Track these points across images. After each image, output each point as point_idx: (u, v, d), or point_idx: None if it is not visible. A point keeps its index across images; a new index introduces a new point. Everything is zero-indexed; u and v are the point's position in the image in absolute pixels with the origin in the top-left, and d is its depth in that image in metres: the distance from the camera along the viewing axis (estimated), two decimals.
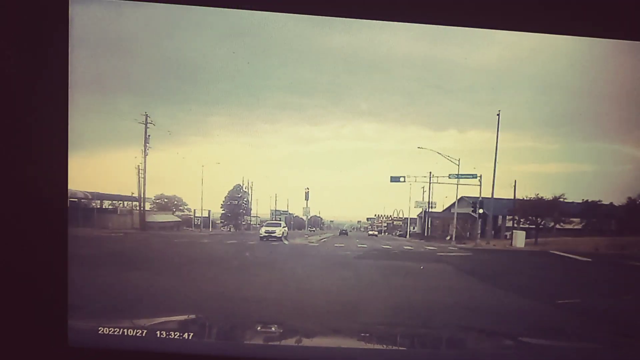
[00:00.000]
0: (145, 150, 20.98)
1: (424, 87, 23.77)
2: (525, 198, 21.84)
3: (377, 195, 29.32)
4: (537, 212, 22.04)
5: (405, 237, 28.38)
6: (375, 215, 31.60)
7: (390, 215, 30.86)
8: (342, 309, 7.73)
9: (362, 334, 5.23)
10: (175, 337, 3.83)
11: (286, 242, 22.43)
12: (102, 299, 6.39)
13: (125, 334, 3.76)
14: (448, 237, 25.10)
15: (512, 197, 22.36)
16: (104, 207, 24.39)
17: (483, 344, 5.14)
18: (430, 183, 23.68)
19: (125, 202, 24.13)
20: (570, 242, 20.59)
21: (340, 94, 21.92)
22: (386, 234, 30.56)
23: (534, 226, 22.43)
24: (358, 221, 33.48)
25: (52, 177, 3.11)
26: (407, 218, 29.25)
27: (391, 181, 22.54)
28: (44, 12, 2.94)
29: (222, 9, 3.00)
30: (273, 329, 5.12)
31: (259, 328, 5.13)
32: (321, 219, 32.78)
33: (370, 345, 4.86)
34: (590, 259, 17.08)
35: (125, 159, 20.96)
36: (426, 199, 25.36)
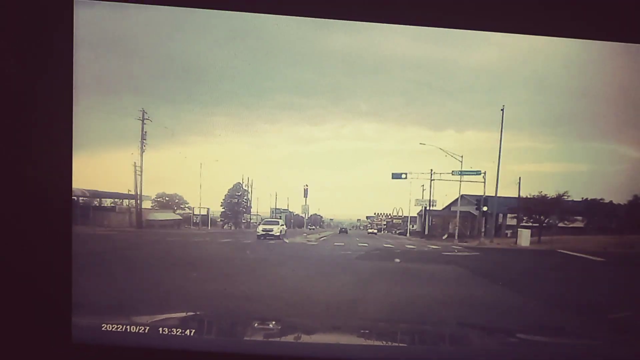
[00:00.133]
0: (142, 147, 20.95)
1: (423, 88, 23.91)
2: (528, 196, 21.65)
3: (377, 194, 29.49)
4: (540, 210, 21.70)
5: (405, 235, 28.35)
6: (374, 213, 31.67)
7: (390, 214, 30.91)
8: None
9: (362, 331, 5.27)
10: (177, 333, 3.87)
11: (287, 240, 22.18)
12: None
13: (128, 330, 3.81)
14: (445, 236, 25.05)
15: (512, 195, 22.25)
16: (102, 205, 24.38)
17: (483, 341, 5.13)
18: (431, 180, 23.51)
19: (126, 200, 24.16)
20: (575, 241, 20.14)
21: (340, 94, 22.09)
22: (385, 232, 30.61)
23: (537, 224, 22.11)
24: (357, 219, 33.54)
25: (57, 176, 3.15)
26: (407, 216, 29.22)
27: (393, 178, 22.17)
28: (49, 14, 2.99)
29: (224, 11, 3.05)
30: (272, 325, 5.17)
31: (258, 325, 5.18)
32: (321, 217, 32.87)
33: (369, 342, 4.90)
34: (603, 259, 16.25)
35: (127, 158, 21.07)
36: (426, 197, 25.22)
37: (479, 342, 5.08)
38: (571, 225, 22.19)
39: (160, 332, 3.90)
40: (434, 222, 26.76)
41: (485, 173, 21.75)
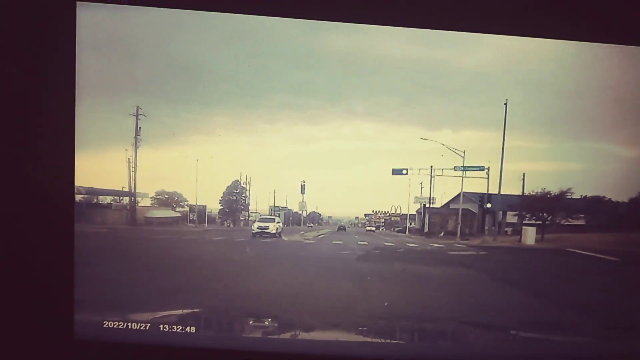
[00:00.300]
0: (136, 144, 20.80)
1: (419, 88, 24.09)
2: (530, 193, 21.15)
3: (375, 192, 29.55)
4: (544, 207, 20.97)
5: (404, 233, 28.36)
6: (372, 211, 31.73)
7: (388, 212, 30.96)
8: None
9: (360, 328, 5.31)
10: (178, 330, 3.92)
11: (285, 238, 21.96)
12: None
13: (129, 327, 3.86)
14: (442, 233, 25.03)
15: (509, 193, 21.92)
16: (98, 202, 24.31)
17: (482, 338, 5.16)
18: (431, 177, 23.21)
19: (126, 198, 24.13)
20: (579, 239, 19.46)
21: (338, 94, 22.23)
22: (384, 229, 30.68)
23: (539, 222, 21.34)
24: (356, 217, 33.60)
25: (59, 174, 3.20)
26: (407, 214, 29.23)
27: (393, 174, 21.55)
28: (52, 16, 3.03)
29: (224, 13, 3.10)
30: (271, 322, 5.21)
31: (258, 322, 5.22)
32: (320, 214, 32.98)
33: (367, 339, 4.95)
34: (617, 258, 14.79)
35: (128, 156, 21.15)
36: (424, 195, 25.11)
37: (477, 339, 5.11)
38: (573, 223, 21.71)
39: (161, 329, 3.95)
40: (433, 219, 26.68)
41: (489, 169, 21.15)
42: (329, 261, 14.65)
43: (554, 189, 20.66)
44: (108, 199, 24.37)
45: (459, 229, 23.63)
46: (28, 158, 3.18)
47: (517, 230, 22.64)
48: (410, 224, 29.20)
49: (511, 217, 23.13)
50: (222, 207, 27.06)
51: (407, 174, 21.79)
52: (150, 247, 16.68)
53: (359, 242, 20.71)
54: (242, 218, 27.08)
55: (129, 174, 21.68)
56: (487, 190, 21.57)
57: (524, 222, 22.16)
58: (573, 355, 4.17)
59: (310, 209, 29.73)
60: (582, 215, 22.18)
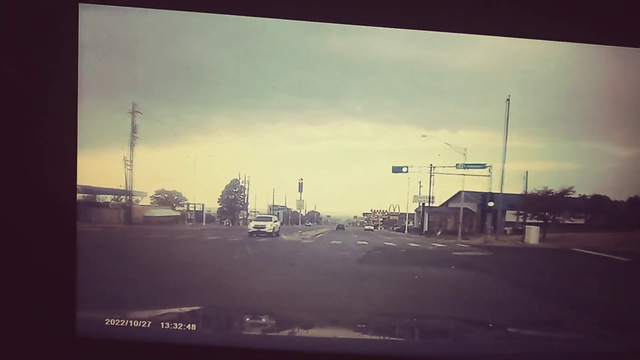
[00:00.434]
0: (132, 141, 20.54)
1: (417, 89, 24.24)
2: (533, 192, 20.78)
3: (373, 191, 29.72)
4: (546, 206, 20.72)
5: (403, 232, 28.38)
6: (371, 210, 31.81)
7: (386, 211, 31.03)
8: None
9: (359, 325, 5.34)
10: (179, 328, 3.96)
11: (284, 237, 21.71)
12: None
13: (131, 325, 3.90)
14: (439, 232, 25.01)
15: (508, 192, 21.86)
16: (96, 201, 24.20)
17: (480, 335, 5.17)
18: (431, 175, 23.04)
19: (121, 197, 24.04)
20: (580, 238, 19.22)
21: (337, 95, 22.39)
22: (382, 228, 30.74)
23: (541, 221, 21.15)
24: (354, 216, 33.70)
25: (62, 174, 3.24)
26: (405, 213, 29.27)
27: (393, 172, 21.06)
28: (55, 18, 3.07)
29: (225, 15, 3.14)
30: (270, 320, 5.26)
31: (257, 319, 5.27)
32: (318, 213, 33.06)
33: (367, 336, 4.99)
34: (628, 259, 13.93)
35: (128, 156, 21.12)
36: (423, 194, 25.04)
37: (475, 336, 5.12)
38: (572, 222, 21.73)
39: (162, 326, 3.99)
40: (432, 218, 26.65)
41: (491, 166, 20.65)
42: (327, 262, 13.93)
43: (553, 188, 20.66)
44: (107, 198, 24.38)
45: (460, 228, 23.38)
46: (31, 158, 3.22)
47: (516, 230, 22.59)
48: (409, 223, 29.26)
49: (510, 216, 23.08)
50: (221, 206, 27.09)
51: (407, 171, 21.48)
52: (134, 247, 15.91)
53: (358, 242, 20.30)
54: (241, 217, 27.10)
55: (125, 172, 21.61)
56: (490, 189, 21.26)
57: (525, 221, 22.11)
58: None
59: (309, 208, 29.83)
60: (581, 215, 22.17)
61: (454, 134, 25.00)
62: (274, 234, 21.13)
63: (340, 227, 30.14)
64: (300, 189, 24.20)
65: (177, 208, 26.04)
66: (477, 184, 22.67)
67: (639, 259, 14.02)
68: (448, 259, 15.91)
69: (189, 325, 4.04)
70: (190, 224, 25.68)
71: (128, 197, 23.20)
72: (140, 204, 24.25)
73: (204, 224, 26.06)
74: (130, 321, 3.92)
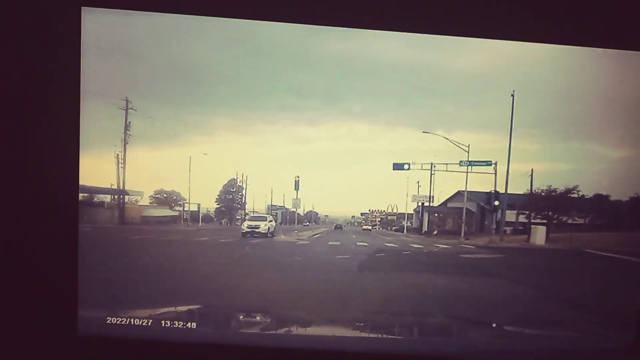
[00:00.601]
0: (125, 139, 20.42)
1: (414, 91, 24.41)
2: (537, 191, 20.56)
3: (372, 191, 29.79)
4: (550, 206, 20.43)
5: (402, 232, 28.35)
6: (369, 210, 31.85)
7: (384, 211, 31.07)
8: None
9: (357, 323, 5.38)
10: (179, 326, 4.00)
11: (283, 237, 21.40)
12: None
13: (132, 323, 3.94)
14: (435, 232, 24.96)
15: (511, 191, 21.46)
16: (91, 200, 24.02)
17: (478, 334, 5.18)
18: (431, 173, 22.78)
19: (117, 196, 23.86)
20: (584, 238, 18.61)
21: (336, 96, 22.55)
22: (380, 228, 30.78)
23: (545, 221, 20.77)
24: (352, 216, 33.73)
25: (64, 174, 3.28)
26: (404, 213, 29.23)
27: (394, 169, 20.36)
28: (58, 21, 3.11)
29: (226, 18, 3.18)
30: (270, 319, 5.30)
31: (256, 317, 5.31)
32: (317, 213, 33.09)
33: (364, 334, 5.02)
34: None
35: (128, 156, 21.18)
36: (421, 194, 24.93)
37: (473, 334, 5.14)
38: (574, 222, 21.43)
39: (162, 325, 4.03)
40: (432, 218, 26.58)
41: (496, 163, 19.87)
42: (324, 267, 12.71)
43: (552, 187, 20.68)
44: (106, 198, 24.33)
45: (463, 228, 22.89)
46: (34, 158, 3.26)
47: (517, 230, 22.45)
48: (408, 222, 29.28)
49: (509, 216, 22.92)
50: (218, 206, 27.10)
51: (409, 168, 20.78)
52: (118, 249, 14.94)
53: (357, 243, 19.60)
54: (239, 217, 27.10)
55: (119, 171, 21.50)
56: (495, 187, 20.59)
57: (529, 220, 21.93)
58: None
59: (307, 208, 29.79)
60: (581, 214, 22.11)
61: (451, 135, 25.07)
62: (269, 235, 20.31)
63: (338, 227, 30.19)
64: (297, 187, 23.40)
65: (175, 208, 26.04)
66: (477, 183, 22.77)
67: None
68: (458, 264, 14.62)
69: (189, 323, 4.08)
70: (186, 224, 25.62)
71: (119, 197, 22.99)
72: (139, 204, 24.27)
73: (200, 223, 25.97)
74: (131, 319, 3.96)
